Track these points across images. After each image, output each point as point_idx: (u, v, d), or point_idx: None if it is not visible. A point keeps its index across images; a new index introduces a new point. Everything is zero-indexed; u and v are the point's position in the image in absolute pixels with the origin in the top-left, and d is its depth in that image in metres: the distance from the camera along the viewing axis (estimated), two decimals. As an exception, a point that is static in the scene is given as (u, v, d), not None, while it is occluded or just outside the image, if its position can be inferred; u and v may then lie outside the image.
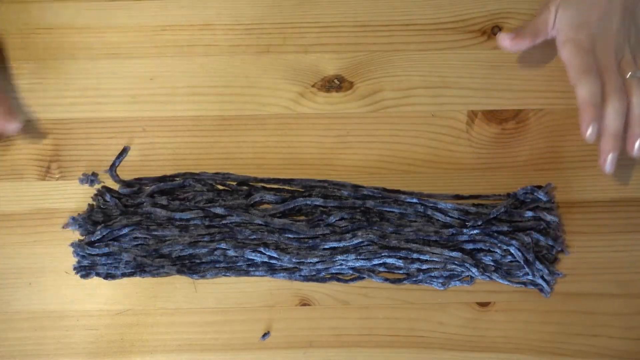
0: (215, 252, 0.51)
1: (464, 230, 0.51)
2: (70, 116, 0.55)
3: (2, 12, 0.57)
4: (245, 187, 0.53)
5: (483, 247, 0.51)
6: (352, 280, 0.51)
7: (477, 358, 0.50)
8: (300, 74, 0.56)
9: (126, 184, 0.53)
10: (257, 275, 0.51)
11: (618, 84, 0.50)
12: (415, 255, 0.50)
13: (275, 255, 0.50)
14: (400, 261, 0.50)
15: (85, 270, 0.51)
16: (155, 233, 0.51)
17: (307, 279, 0.51)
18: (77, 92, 0.56)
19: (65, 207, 0.53)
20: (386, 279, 0.51)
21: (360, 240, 0.50)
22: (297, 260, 0.50)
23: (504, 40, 0.53)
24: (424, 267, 0.50)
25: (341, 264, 0.51)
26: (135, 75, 0.56)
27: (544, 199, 0.51)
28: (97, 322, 0.51)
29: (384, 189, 0.53)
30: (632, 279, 0.51)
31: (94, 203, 0.53)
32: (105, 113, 0.55)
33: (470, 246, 0.51)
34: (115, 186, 0.53)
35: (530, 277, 0.50)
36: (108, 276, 0.51)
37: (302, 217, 0.52)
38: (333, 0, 0.58)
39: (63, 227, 0.52)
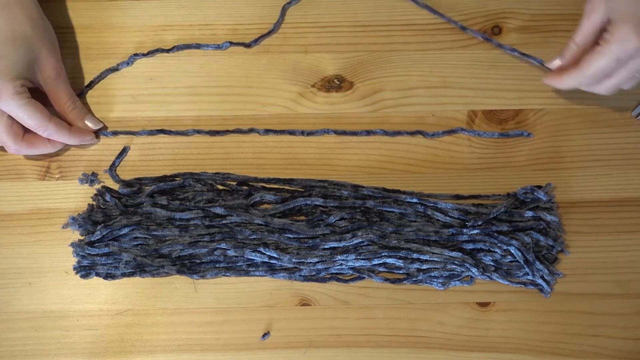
0: (215, 252, 0.51)
1: (464, 230, 0.50)
2: (70, 116, 0.55)
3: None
4: (245, 187, 0.53)
5: (483, 247, 0.51)
6: (352, 280, 0.51)
7: (477, 358, 0.50)
8: (300, 74, 0.56)
9: (126, 184, 0.53)
10: (257, 275, 0.51)
11: None
12: (415, 255, 0.50)
13: (275, 255, 0.50)
14: (400, 261, 0.50)
15: (85, 270, 0.51)
16: (155, 233, 0.51)
17: (307, 279, 0.51)
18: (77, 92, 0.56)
19: (65, 207, 0.53)
20: (386, 279, 0.51)
21: (360, 240, 0.50)
22: (297, 260, 0.50)
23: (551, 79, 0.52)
24: (424, 267, 0.50)
25: (341, 264, 0.51)
26: (135, 75, 0.56)
27: (544, 199, 0.51)
28: (97, 322, 0.51)
29: (384, 189, 0.53)
30: (632, 279, 0.51)
31: (94, 203, 0.52)
32: (105, 113, 0.55)
33: (470, 246, 0.51)
34: (115, 186, 0.53)
35: (530, 277, 0.50)
36: (108, 276, 0.51)
37: (302, 217, 0.52)
38: (333, 0, 0.58)
39: (63, 227, 0.52)
